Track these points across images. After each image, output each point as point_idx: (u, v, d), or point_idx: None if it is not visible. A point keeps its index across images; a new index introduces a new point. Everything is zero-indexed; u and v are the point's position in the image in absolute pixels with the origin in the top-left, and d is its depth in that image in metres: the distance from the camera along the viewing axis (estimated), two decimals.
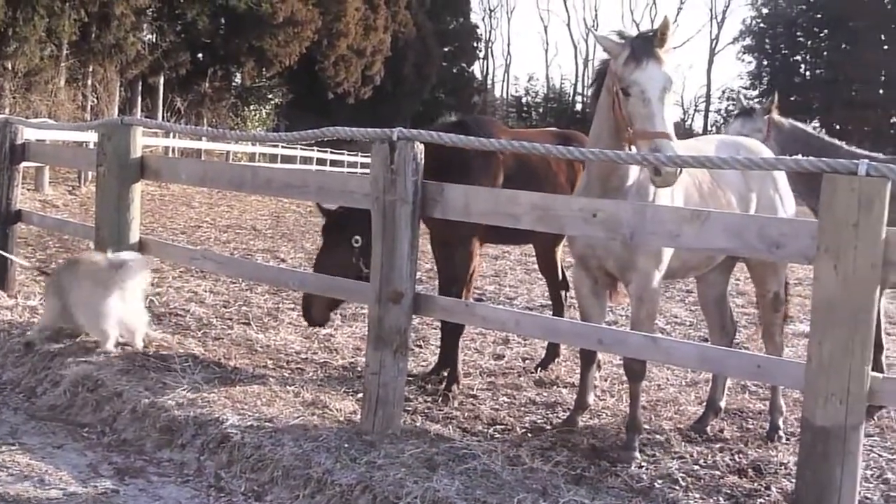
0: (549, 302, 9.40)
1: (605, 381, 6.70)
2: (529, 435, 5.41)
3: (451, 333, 6.44)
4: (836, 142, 6.95)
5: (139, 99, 36.41)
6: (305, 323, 6.83)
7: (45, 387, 5.63)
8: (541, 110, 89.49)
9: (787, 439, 5.57)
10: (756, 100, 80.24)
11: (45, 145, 15.34)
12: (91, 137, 17.51)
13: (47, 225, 9.03)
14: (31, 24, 25.07)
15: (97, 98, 30.64)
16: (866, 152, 6.81)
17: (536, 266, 12.53)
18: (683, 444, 5.40)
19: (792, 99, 68.11)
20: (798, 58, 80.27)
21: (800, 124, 7.08)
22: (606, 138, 4.75)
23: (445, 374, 6.46)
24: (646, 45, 4.56)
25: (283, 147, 36.11)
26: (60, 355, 5.93)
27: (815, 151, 6.61)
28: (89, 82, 30.94)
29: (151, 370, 5.72)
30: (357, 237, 6.11)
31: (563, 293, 7.30)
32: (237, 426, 4.77)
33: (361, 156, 44.45)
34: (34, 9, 25.16)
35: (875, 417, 6.02)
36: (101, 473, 4.50)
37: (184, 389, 5.31)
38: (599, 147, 4.61)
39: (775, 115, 7.25)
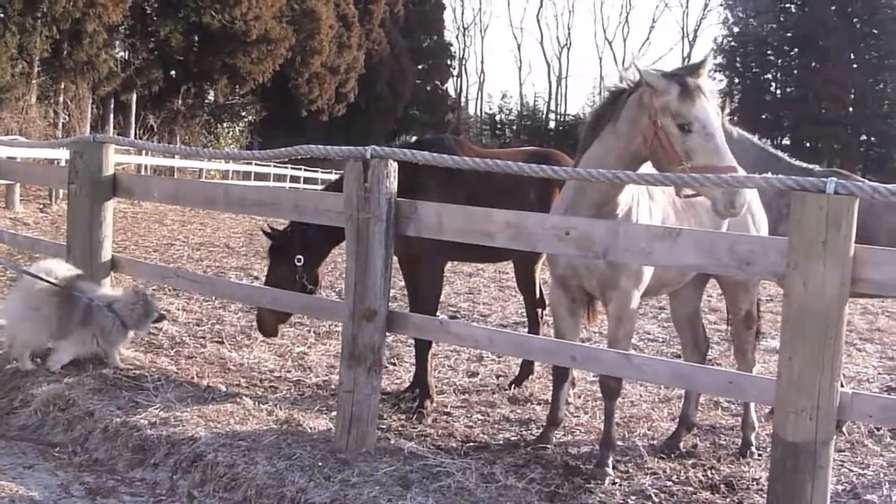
0: (523, 319, 9.42)
1: (579, 398, 6.72)
2: (503, 452, 5.41)
3: (419, 349, 6.48)
4: (779, 153, 7.02)
5: (111, 116, 36.26)
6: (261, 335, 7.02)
7: (16, 406, 5.58)
8: (514, 128, 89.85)
9: (759, 454, 5.62)
10: (726, 117, 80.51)
11: (16, 163, 15.24)
12: (63, 155, 17.43)
13: (18, 243, 8.97)
14: (2, 40, 24.97)
15: (69, 115, 30.52)
16: (805, 164, 6.88)
17: (510, 283, 12.60)
18: (656, 460, 5.42)
19: (763, 117, 68.93)
20: (768, 76, 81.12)
21: (746, 134, 7.15)
22: (613, 164, 4.63)
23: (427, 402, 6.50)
24: (698, 81, 4.57)
25: (256, 164, 36.09)
26: (31, 374, 5.89)
27: (763, 161, 6.71)
28: (61, 99, 30.81)
29: (123, 389, 5.69)
30: (300, 256, 6.44)
31: (539, 311, 7.33)
32: (210, 445, 4.76)
33: (335, 173, 44.38)
34: (5, 25, 25.06)
35: (845, 432, 6.08)
36: (72, 494, 4.46)
37: (156, 408, 5.28)
38: None
39: (725, 122, 7.32)
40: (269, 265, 6.80)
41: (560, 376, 5.70)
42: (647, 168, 4.72)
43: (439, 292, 6.67)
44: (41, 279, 5.88)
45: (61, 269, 6.06)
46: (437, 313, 6.84)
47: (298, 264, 6.42)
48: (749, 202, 5.65)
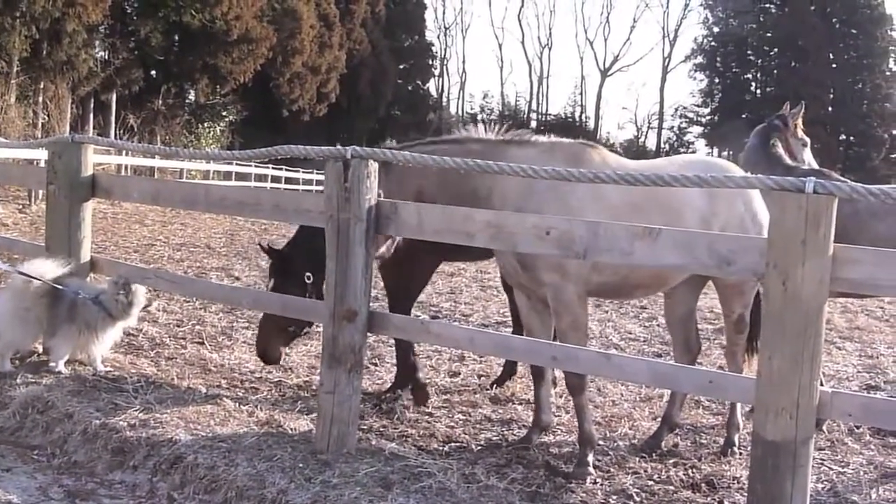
0: (505, 319, 9.43)
1: (561, 397, 6.72)
2: (485, 452, 5.41)
3: (400, 348, 6.53)
4: (778, 151, 7.01)
5: (91, 116, 36.10)
6: (262, 362, 6.64)
7: None
8: (496, 128, 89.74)
9: (740, 453, 5.63)
10: (707, 116, 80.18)
11: None
12: (42, 155, 17.29)
13: None
14: None
15: (48, 115, 30.35)
16: (791, 162, 6.90)
17: (492, 283, 12.60)
18: (638, 459, 5.43)
19: (743, 116, 69.08)
20: (749, 76, 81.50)
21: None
22: None
23: (401, 391, 6.50)
24: None
25: (237, 164, 35.97)
26: (10, 376, 5.84)
27: (757, 155, 6.75)
28: (40, 99, 30.65)
29: (103, 391, 5.65)
30: (309, 274, 6.07)
31: None
32: (190, 447, 4.73)
33: (317, 173, 44.24)
34: None
35: (825, 430, 6.10)
36: (51, 496, 4.43)
37: (136, 410, 5.25)
38: None
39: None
40: (273, 287, 6.26)
41: (538, 376, 5.74)
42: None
43: (418, 293, 6.69)
44: (33, 278, 5.83)
45: (51, 268, 6.02)
46: (419, 313, 6.85)
47: (308, 282, 6.08)
48: (751, 204, 5.63)
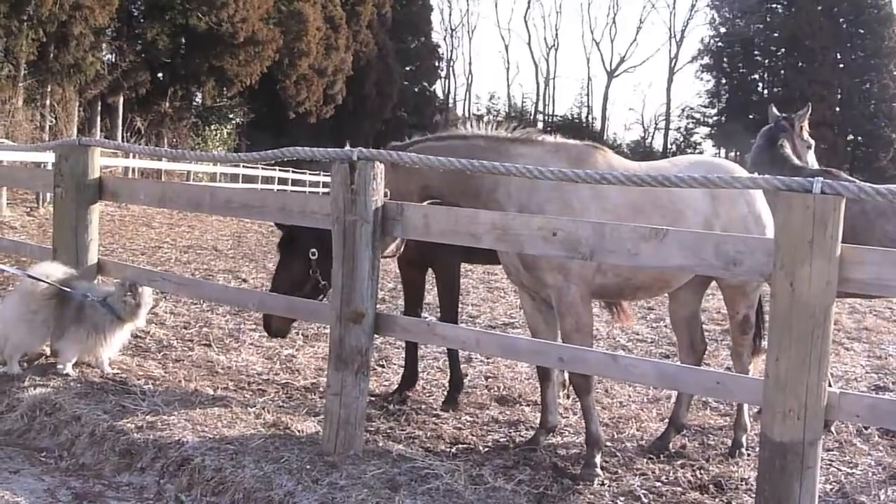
0: (512, 320, 9.43)
1: (568, 398, 6.71)
2: (492, 454, 5.40)
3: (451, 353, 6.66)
4: (786, 152, 6.97)
5: (98, 119, 36.16)
6: (267, 334, 6.76)
7: (2, 411, 5.54)
8: (500, 126, 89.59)
9: (748, 454, 5.62)
10: (714, 117, 79.76)
11: (2, 166, 15.20)
12: (49, 158, 17.33)
13: (3, 247, 8.92)
14: None
15: (55, 118, 30.41)
16: (799, 163, 6.87)
17: (499, 285, 12.60)
18: (645, 460, 5.42)
19: (750, 117, 69.02)
20: (755, 76, 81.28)
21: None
22: None
23: (408, 392, 6.52)
24: None
25: (244, 167, 35.99)
26: (18, 379, 5.86)
27: (763, 153, 6.74)
28: (48, 102, 30.72)
29: (110, 393, 5.66)
30: (314, 250, 6.14)
31: None
32: (197, 449, 4.73)
33: (324, 175, 44.23)
34: None
35: (833, 431, 6.09)
36: (58, 499, 4.43)
37: (143, 412, 5.26)
38: None
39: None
40: (280, 260, 6.45)
41: (543, 376, 5.74)
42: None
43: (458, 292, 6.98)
44: (41, 280, 5.85)
45: (57, 271, 6.03)
46: (426, 315, 6.86)
47: (313, 258, 6.15)
48: (754, 205, 5.63)
